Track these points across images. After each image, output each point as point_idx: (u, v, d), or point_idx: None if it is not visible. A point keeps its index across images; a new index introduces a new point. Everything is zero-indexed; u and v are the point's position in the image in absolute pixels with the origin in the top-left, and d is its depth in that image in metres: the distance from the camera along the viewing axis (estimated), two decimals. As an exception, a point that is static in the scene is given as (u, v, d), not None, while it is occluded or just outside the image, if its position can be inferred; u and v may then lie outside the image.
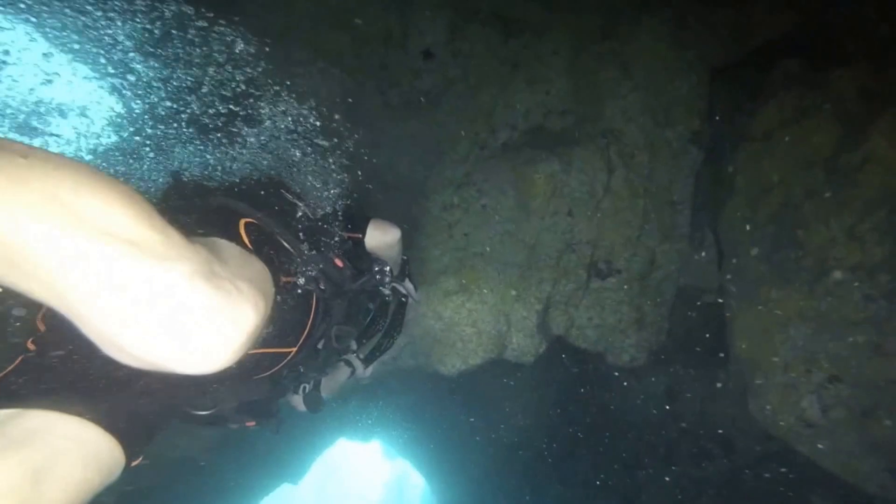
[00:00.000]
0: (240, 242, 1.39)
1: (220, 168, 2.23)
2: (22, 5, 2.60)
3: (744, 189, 4.35)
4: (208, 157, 2.31)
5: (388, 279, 2.10)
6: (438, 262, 4.33)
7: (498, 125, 4.77)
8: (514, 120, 4.76)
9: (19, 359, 1.23)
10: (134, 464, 1.23)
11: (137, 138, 2.55)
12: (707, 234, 4.73)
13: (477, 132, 4.79)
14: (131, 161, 2.36)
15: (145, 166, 2.31)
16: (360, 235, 2.21)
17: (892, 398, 3.24)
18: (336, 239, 1.92)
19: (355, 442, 9.17)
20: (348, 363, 2.47)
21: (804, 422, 3.48)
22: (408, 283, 2.56)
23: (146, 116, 2.78)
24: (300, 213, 1.90)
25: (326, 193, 2.21)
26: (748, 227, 4.26)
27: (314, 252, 1.72)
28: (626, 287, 4.41)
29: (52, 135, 2.61)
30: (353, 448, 13.23)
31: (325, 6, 4.54)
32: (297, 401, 2.11)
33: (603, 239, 4.40)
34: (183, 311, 0.82)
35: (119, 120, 2.90)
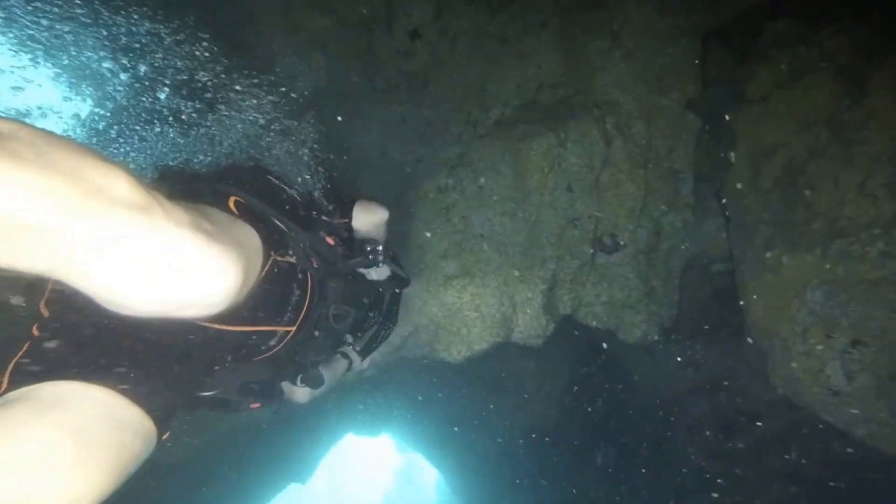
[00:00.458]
0: (229, 213, 1.41)
1: (200, 157, 2.15)
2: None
3: (746, 154, 4.28)
4: (186, 147, 2.23)
5: (380, 258, 2.06)
6: (437, 246, 4.21)
7: (490, 102, 4.67)
8: (506, 96, 4.66)
9: (27, 344, 1.22)
10: (164, 437, 1.23)
11: (114, 131, 2.47)
12: (712, 201, 4.62)
13: (469, 111, 4.68)
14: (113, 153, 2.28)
15: (129, 160, 2.25)
16: (347, 220, 2.19)
17: (919, 358, 3.15)
18: (325, 218, 1.93)
19: (363, 437, 9.09)
20: (345, 355, 2.42)
21: (830, 390, 3.36)
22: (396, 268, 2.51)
23: (124, 111, 2.71)
24: (286, 196, 1.88)
25: (311, 179, 2.17)
26: (753, 192, 4.18)
27: (304, 231, 1.72)
28: (633, 261, 4.31)
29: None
30: (361, 443, 13.18)
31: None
32: (297, 392, 2.09)
33: (605, 212, 4.30)
34: (177, 252, 0.86)
35: (94, 116, 2.81)
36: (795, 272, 3.61)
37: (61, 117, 2.91)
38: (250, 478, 6.65)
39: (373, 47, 4.70)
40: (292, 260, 1.63)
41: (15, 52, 2.79)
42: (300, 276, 1.66)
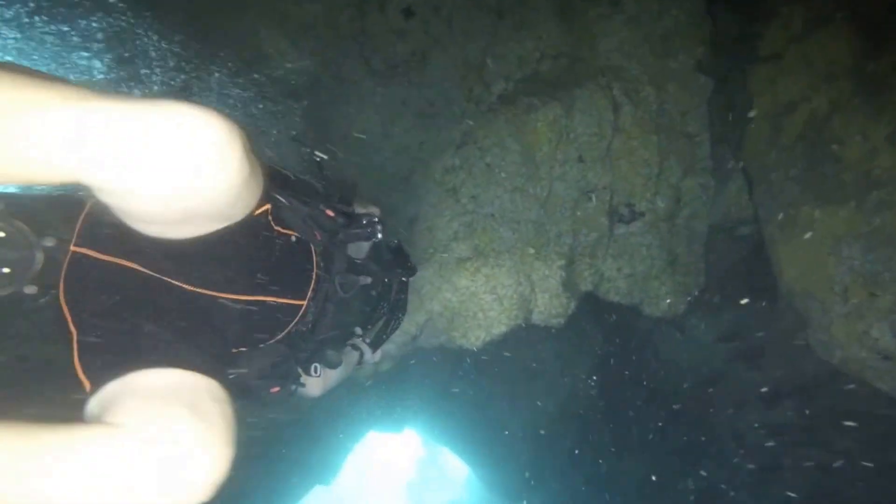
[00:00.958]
0: None
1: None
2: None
3: (764, 112, 4.14)
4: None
5: (379, 227, 2.00)
6: (447, 229, 4.06)
7: (491, 78, 4.52)
8: (508, 70, 4.51)
9: (75, 344, 1.19)
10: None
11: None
12: (730, 162, 4.43)
13: (470, 87, 4.52)
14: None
15: None
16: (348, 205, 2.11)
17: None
18: (322, 192, 1.91)
19: (386, 433, 8.97)
20: (355, 347, 2.38)
21: (879, 354, 3.13)
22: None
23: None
24: (284, 174, 1.85)
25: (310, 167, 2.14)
26: (775, 150, 4.02)
27: (304, 205, 1.71)
28: (653, 230, 4.14)
29: None
30: (385, 440, 13.11)
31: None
32: (309, 382, 2.03)
33: (620, 181, 4.13)
34: (177, 120, 0.87)
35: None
36: (829, 227, 3.42)
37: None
38: (273, 483, 6.53)
39: (367, 29, 4.56)
40: (294, 233, 1.64)
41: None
42: (303, 246, 1.69)
